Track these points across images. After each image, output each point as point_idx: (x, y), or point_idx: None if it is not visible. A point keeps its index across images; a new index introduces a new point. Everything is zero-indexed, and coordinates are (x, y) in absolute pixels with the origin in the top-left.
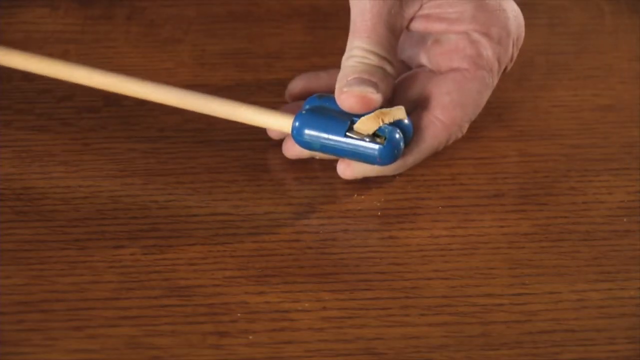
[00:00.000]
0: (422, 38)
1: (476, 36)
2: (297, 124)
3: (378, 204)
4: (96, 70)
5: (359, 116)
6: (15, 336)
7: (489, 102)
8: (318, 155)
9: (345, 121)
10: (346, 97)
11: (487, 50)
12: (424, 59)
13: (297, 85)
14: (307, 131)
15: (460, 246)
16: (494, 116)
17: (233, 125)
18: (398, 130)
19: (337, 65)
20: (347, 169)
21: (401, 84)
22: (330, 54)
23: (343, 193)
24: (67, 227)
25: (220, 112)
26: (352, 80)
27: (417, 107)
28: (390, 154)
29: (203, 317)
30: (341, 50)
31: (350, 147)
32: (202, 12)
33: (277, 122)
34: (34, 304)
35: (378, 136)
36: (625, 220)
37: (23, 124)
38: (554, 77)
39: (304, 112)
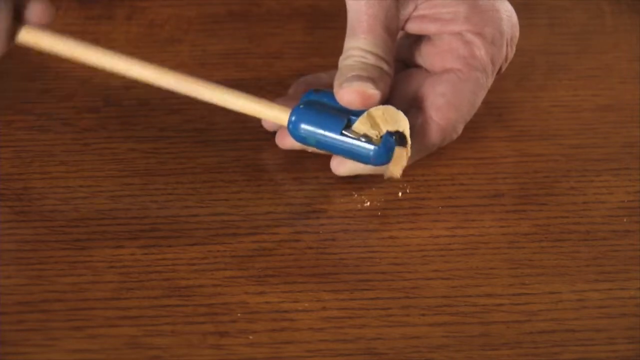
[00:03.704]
0: (418, 39)
1: (470, 37)
2: (293, 118)
3: (378, 204)
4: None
5: (356, 114)
6: (15, 336)
7: (488, 102)
8: (311, 148)
9: (343, 119)
10: (345, 92)
11: (481, 51)
12: (419, 60)
13: (299, 89)
14: (303, 126)
15: (460, 246)
16: (494, 116)
17: (233, 125)
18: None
19: (336, 66)
20: (340, 166)
21: (397, 83)
22: (330, 54)
23: (343, 193)
24: (67, 227)
25: (217, 99)
26: (351, 77)
27: (412, 107)
28: (385, 155)
29: (203, 317)
30: (341, 50)
31: (345, 145)
32: (202, 12)
33: (274, 114)
34: (34, 304)
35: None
36: (625, 220)
37: (23, 124)
38: (554, 77)
39: (301, 106)
